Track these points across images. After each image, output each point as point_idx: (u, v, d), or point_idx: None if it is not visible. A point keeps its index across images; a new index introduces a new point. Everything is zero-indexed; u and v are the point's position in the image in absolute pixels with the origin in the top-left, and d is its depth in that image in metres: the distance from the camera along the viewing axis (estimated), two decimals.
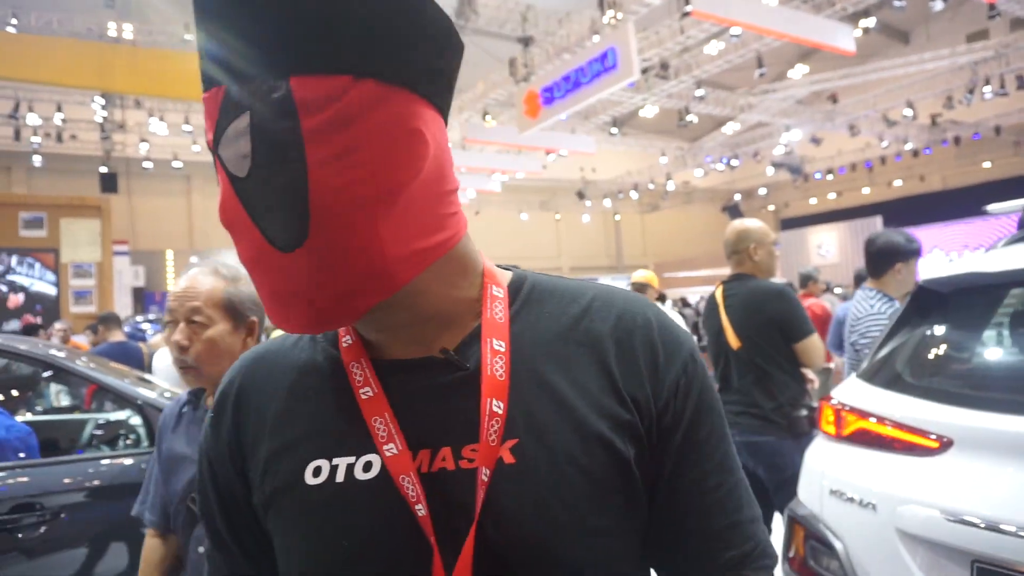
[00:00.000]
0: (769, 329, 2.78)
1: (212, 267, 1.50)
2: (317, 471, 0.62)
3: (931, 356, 2.05)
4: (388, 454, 0.60)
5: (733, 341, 2.86)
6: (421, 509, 0.59)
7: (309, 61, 0.54)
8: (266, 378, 0.70)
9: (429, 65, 0.59)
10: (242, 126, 0.55)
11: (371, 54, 0.55)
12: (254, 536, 0.69)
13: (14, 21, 9.92)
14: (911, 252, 3.05)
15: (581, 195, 19.99)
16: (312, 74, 0.54)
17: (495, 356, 0.63)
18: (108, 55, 10.00)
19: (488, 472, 0.59)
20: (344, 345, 0.67)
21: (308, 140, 0.54)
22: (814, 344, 2.76)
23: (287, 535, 0.64)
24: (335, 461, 0.62)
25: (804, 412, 2.71)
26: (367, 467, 0.61)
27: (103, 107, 12.83)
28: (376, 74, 0.55)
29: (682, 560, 0.65)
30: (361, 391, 0.63)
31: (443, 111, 0.62)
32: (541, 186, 21.06)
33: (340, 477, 0.61)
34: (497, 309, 0.66)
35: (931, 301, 2.08)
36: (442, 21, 0.59)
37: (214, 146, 0.57)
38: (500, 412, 0.60)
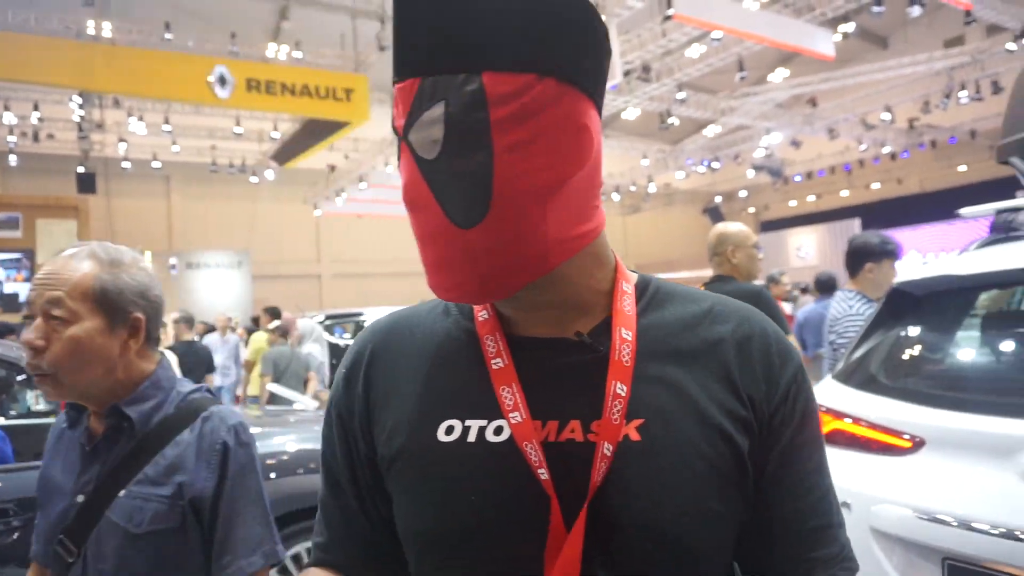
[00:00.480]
0: None
1: (89, 249, 1.19)
2: (450, 430, 0.67)
3: (905, 357, 2.08)
4: (513, 421, 0.65)
5: None
6: (543, 473, 0.63)
7: (501, 60, 0.60)
8: (400, 343, 0.75)
9: (595, 68, 0.65)
10: (436, 114, 0.61)
11: (553, 56, 0.61)
12: (370, 491, 0.74)
13: None
14: (881, 253, 3.09)
15: None
16: (503, 71, 0.60)
17: (623, 343, 0.68)
18: (86, 53, 9.87)
19: (611, 447, 0.64)
20: (480, 319, 0.72)
21: (495, 130, 0.60)
22: None
23: (413, 488, 0.69)
24: (467, 423, 0.67)
25: None
26: (498, 431, 0.66)
27: (81, 106, 12.64)
28: (557, 74, 0.61)
29: (770, 556, 0.69)
30: (493, 362, 0.68)
31: (600, 110, 0.68)
32: None
33: (472, 437, 0.67)
34: (626, 303, 0.71)
35: (905, 303, 2.12)
36: (603, 28, 0.65)
37: (404, 132, 0.63)
38: (623, 395, 0.65)
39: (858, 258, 3.14)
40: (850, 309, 3.06)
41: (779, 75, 14.65)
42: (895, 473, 1.72)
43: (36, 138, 13.72)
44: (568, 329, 0.69)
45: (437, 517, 0.67)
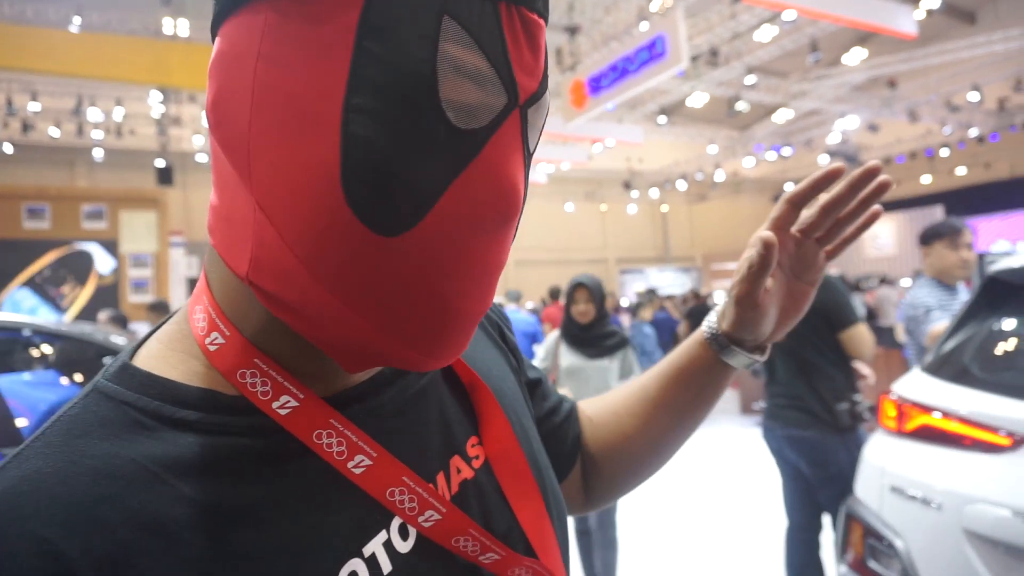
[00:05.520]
0: (813, 318, 2.69)
1: None
2: None
3: (1002, 349, 1.94)
4: (428, 524, 0.46)
5: None
6: (491, 556, 0.48)
7: None
8: (157, 511, 0.38)
9: None
10: (544, 96, 0.44)
11: None
12: None
13: (77, 20, 10.27)
14: (931, 236, 2.99)
15: (627, 185, 19.76)
16: None
17: None
18: (164, 51, 10.28)
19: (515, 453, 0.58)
20: (283, 409, 0.43)
21: None
22: (860, 333, 2.65)
23: None
24: (367, 550, 0.44)
25: (845, 405, 2.60)
26: (403, 532, 0.46)
27: (160, 102, 13.18)
28: None
29: None
30: (350, 464, 0.44)
31: None
32: (587, 177, 20.89)
33: (386, 566, 0.44)
34: None
35: (1002, 292, 1.98)
36: None
37: (529, 96, 0.42)
38: (486, 385, 0.60)
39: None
40: (913, 297, 2.96)
41: (855, 56, 13.98)
42: (991, 472, 1.60)
43: (119, 134, 14.40)
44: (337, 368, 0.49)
45: None
